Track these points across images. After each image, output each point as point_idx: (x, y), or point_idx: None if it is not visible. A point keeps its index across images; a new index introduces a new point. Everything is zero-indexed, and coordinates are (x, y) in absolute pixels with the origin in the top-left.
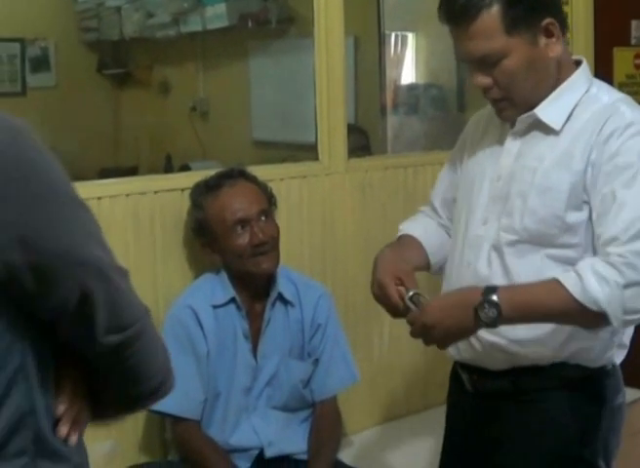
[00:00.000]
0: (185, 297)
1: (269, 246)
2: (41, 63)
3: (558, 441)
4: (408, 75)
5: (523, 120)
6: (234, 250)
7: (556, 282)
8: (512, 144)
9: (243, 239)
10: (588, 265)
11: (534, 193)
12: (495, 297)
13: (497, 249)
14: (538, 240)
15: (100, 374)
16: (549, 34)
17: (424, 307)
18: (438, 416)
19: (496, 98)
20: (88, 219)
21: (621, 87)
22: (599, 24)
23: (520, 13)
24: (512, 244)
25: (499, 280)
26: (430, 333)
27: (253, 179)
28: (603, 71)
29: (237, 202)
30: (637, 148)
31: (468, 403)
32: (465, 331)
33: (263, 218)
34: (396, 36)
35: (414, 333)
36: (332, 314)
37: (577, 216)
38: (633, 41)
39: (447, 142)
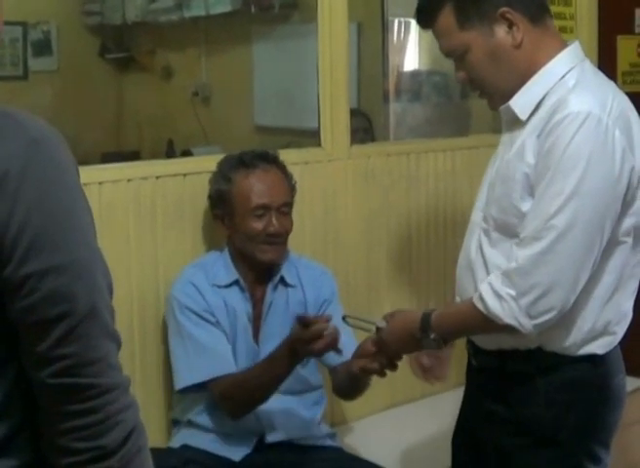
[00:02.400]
0: (186, 275)
1: (281, 239)
2: (43, 47)
3: (533, 422)
4: (411, 62)
5: (502, 111)
6: (248, 232)
7: (471, 303)
8: (505, 135)
9: (259, 224)
10: (487, 284)
11: (498, 183)
12: (432, 335)
13: (480, 236)
14: (503, 229)
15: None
16: (509, 23)
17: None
18: (438, 403)
19: (475, 91)
20: (98, 253)
21: (625, 75)
22: (603, 13)
23: (470, 8)
24: (486, 232)
25: (479, 265)
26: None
27: (283, 168)
28: (607, 60)
29: (266, 187)
30: (562, 146)
31: (473, 377)
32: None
33: (284, 211)
34: (399, 22)
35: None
36: (335, 292)
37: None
38: (637, 29)
39: (449, 129)
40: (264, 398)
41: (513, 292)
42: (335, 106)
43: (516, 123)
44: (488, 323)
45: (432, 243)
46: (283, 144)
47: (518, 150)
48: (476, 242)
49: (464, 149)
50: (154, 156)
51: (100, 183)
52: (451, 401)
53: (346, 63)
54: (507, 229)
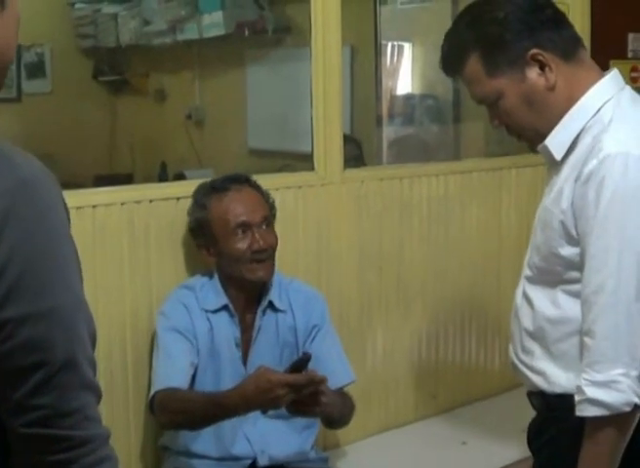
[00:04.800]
0: (178, 296)
1: (267, 254)
2: (37, 69)
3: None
4: (404, 85)
5: (541, 151)
6: (233, 253)
7: (588, 428)
8: (547, 176)
9: (243, 243)
10: (585, 387)
11: (539, 230)
12: None
13: (523, 282)
14: (547, 277)
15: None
16: (541, 64)
17: None
18: (430, 428)
19: (513, 135)
20: (82, 300)
21: None
22: (596, 37)
23: (498, 54)
24: (530, 279)
25: (525, 311)
26: None
27: (257, 187)
28: None
29: (242, 206)
30: (606, 197)
31: None
32: None
33: (265, 226)
34: (392, 46)
35: None
36: (326, 316)
37: (573, 251)
38: (630, 54)
39: (442, 153)
40: (202, 426)
41: (619, 370)
42: (328, 130)
43: (554, 163)
44: (621, 420)
45: (425, 267)
46: (276, 168)
47: (555, 196)
48: (521, 288)
49: (457, 173)
50: (147, 179)
51: (93, 207)
52: (444, 424)
53: (340, 87)
54: (551, 277)
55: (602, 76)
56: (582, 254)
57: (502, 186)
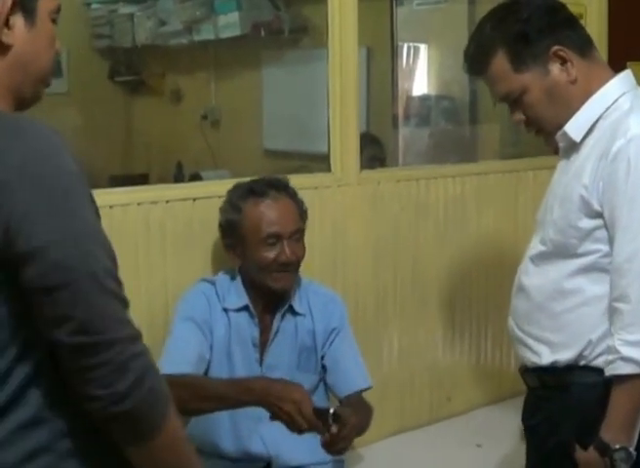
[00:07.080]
0: (201, 288)
1: (293, 266)
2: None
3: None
4: (420, 86)
5: (559, 138)
6: (259, 261)
7: (619, 381)
8: (562, 161)
9: (271, 253)
10: (620, 346)
11: (557, 205)
12: (616, 446)
13: (532, 259)
14: (562, 251)
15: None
16: (562, 60)
17: None
18: (445, 430)
19: (533, 131)
20: (93, 226)
21: None
22: (613, 39)
23: (523, 51)
24: (542, 254)
25: (536, 284)
26: None
27: (293, 195)
28: None
29: (276, 216)
30: (636, 173)
31: None
32: None
33: (296, 238)
34: (409, 47)
35: None
36: (344, 319)
37: (591, 223)
38: None
39: (458, 155)
40: (196, 410)
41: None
42: (344, 131)
43: (572, 147)
44: None
45: (441, 268)
46: (292, 169)
47: (576, 172)
48: (528, 263)
49: (473, 175)
50: (163, 179)
51: (110, 207)
52: (459, 427)
53: (356, 88)
54: (565, 251)
55: (614, 74)
56: (611, 227)
57: (519, 188)
